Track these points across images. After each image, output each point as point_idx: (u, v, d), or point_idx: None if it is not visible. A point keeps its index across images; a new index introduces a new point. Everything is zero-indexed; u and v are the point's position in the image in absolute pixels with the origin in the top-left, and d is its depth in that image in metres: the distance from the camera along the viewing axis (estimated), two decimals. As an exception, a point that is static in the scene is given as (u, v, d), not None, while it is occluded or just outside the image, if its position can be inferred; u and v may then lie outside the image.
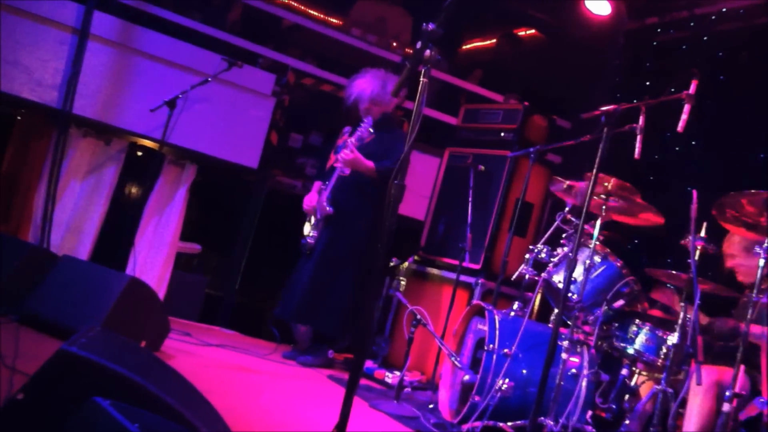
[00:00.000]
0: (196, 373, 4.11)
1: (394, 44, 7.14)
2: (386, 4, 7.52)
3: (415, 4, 7.42)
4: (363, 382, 5.32)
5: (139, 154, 6.10)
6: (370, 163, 5.42)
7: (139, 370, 2.25)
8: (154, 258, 5.92)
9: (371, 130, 5.41)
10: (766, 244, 3.51)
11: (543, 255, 4.48)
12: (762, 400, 3.37)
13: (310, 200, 5.66)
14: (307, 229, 5.64)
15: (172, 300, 5.92)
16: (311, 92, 6.58)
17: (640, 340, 4.07)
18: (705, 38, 6.00)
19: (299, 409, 4.18)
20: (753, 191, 3.48)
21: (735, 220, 3.73)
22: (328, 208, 5.49)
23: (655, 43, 6.44)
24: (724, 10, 5.89)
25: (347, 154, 5.40)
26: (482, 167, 5.90)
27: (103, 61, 5.68)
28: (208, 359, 4.89)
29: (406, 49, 7.11)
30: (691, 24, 6.13)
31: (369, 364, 5.74)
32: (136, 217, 5.69)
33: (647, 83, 6.11)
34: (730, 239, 4.41)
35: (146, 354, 2.84)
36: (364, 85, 5.60)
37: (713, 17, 5.97)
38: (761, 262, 3.48)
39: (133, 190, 6.51)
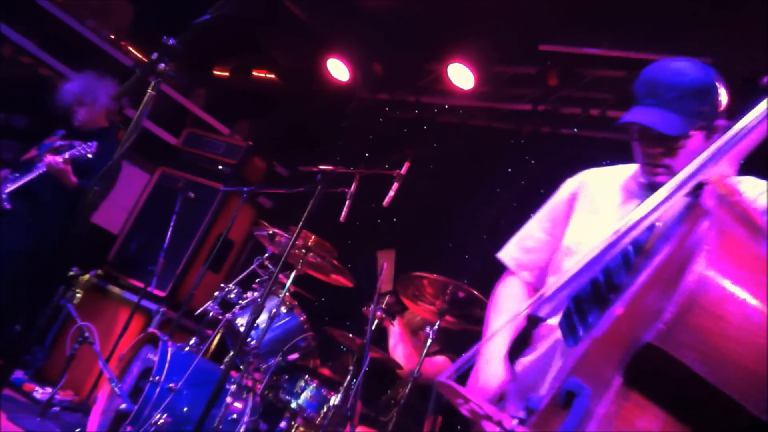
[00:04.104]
0: None
1: (126, 45, 6.78)
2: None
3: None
4: (8, 392, 4.82)
5: None
6: (74, 179, 4.97)
7: None
8: None
9: (90, 156, 4.93)
10: (436, 326, 3.80)
11: (233, 295, 4.42)
12: None
13: None
14: None
15: None
16: (26, 72, 6.02)
17: (305, 395, 4.14)
18: (425, 126, 6.45)
19: None
20: (435, 275, 3.75)
21: (414, 298, 3.99)
22: (5, 204, 4.96)
23: (381, 119, 6.79)
24: (446, 106, 6.40)
25: (59, 162, 4.88)
26: (192, 194, 5.72)
27: None
28: None
29: (134, 52, 6.74)
30: (416, 111, 6.56)
31: (19, 374, 5.23)
32: None
33: (367, 153, 6.40)
34: (407, 317, 4.71)
35: None
36: (82, 88, 5.19)
37: (436, 109, 6.45)
38: (428, 341, 3.75)
39: None
